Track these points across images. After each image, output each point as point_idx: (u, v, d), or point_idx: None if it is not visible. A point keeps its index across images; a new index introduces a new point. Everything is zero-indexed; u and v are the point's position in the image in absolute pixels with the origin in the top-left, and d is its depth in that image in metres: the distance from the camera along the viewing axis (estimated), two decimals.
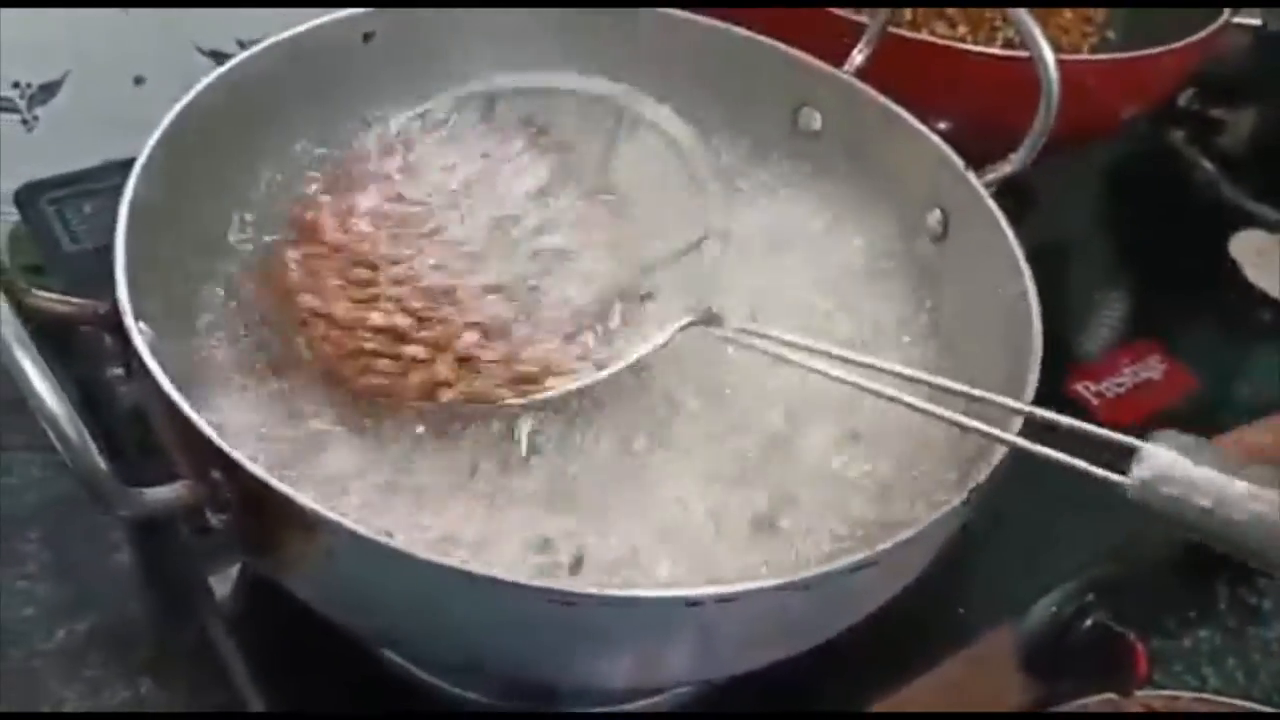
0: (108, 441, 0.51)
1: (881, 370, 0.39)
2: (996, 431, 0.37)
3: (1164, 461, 0.33)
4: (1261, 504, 0.31)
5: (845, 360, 0.40)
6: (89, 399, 0.53)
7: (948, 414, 0.38)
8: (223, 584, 0.46)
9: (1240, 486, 0.31)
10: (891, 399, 0.39)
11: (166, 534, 0.49)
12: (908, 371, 0.40)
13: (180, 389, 0.34)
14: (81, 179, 0.62)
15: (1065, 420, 0.36)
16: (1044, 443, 0.36)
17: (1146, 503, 0.33)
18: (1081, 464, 0.34)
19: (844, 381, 0.40)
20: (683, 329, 0.42)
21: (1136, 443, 0.34)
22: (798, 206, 0.54)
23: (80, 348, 0.53)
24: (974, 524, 0.41)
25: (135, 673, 0.47)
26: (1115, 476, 0.34)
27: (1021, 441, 0.36)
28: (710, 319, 0.42)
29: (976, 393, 0.38)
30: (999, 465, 0.37)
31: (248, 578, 0.46)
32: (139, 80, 0.65)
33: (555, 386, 0.40)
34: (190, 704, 0.46)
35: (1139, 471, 0.33)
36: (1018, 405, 0.38)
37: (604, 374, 0.41)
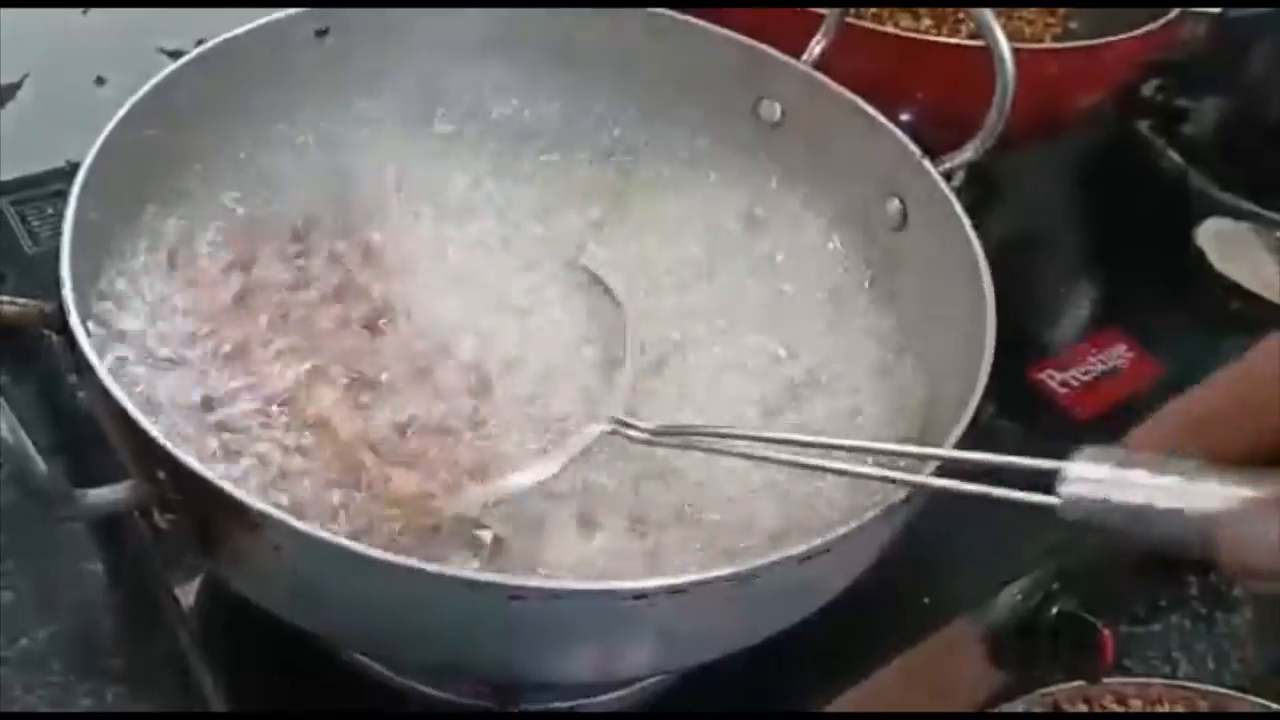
0: (70, 445, 0.51)
1: (790, 442, 0.40)
2: (916, 478, 0.36)
3: (1088, 472, 0.32)
4: (1189, 495, 0.30)
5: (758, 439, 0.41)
6: (53, 402, 0.53)
7: (869, 471, 0.38)
8: (188, 594, 0.46)
9: (1167, 479, 0.30)
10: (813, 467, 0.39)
11: (132, 540, 0.48)
12: (809, 439, 0.40)
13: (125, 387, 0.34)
14: (43, 181, 0.62)
15: (981, 457, 0.35)
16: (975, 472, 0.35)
17: (1079, 516, 0.32)
18: (1011, 493, 0.33)
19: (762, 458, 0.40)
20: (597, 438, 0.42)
21: (1058, 464, 0.32)
22: (761, 197, 0.54)
23: (44, 351, 0.53)
24: (938, 513, 0.41)
25: (101, 680, 0.46)
26: (1042, 499, 0.33)
27: (940, 482, 0.36)
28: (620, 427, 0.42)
29: (888, 447, 0.39)
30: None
31: (213, 587, 0.46)
32: (100, 81, 0.65)
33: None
34: (158, 713, 0.46)
35: (1067, 488, 0.32)
36: (934, 451, 0.37)
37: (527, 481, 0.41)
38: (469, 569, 0.32)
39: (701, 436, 0.40)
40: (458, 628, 0.34)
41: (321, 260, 0.48)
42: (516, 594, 0.32)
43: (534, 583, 0.33)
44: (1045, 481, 0.33)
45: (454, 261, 0.49)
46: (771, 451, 0.39)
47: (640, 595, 0.32)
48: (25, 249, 0.60)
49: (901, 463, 0.39)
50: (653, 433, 0.41)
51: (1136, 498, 0.31)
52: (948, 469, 0.36)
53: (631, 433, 0.41)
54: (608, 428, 0.42)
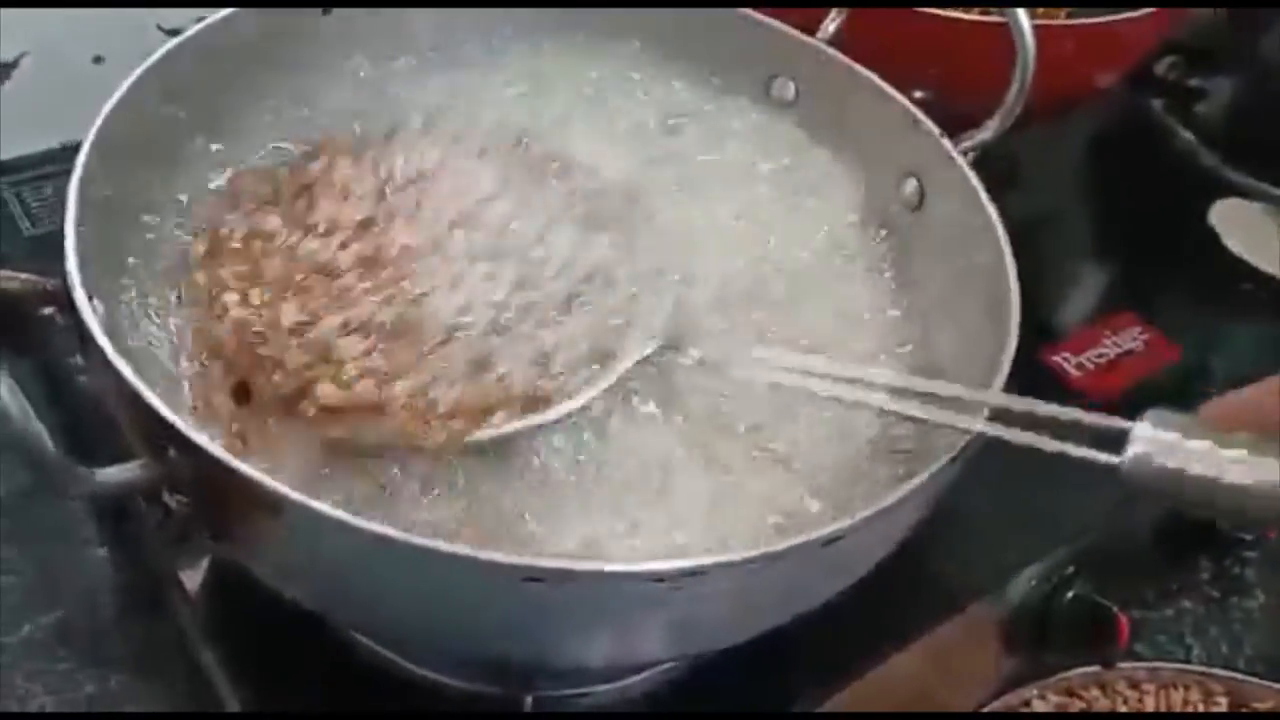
0: (74, 427, 0.50)
1: (849, 379, 0.39)
2: (974, 425, 0.36)
3: (1156, 436, 0.32)
4: (1258, 468, 0.30)
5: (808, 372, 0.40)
6: (55, 385, 0.52)
7: (918, 414, 0.37)
8: (193, 578, 0.46)
9: (1234, 453, 0.31)
10: (861, 404, 0.39)
11: (136, 525, 0.48)
12: (877, 374, 0.40)
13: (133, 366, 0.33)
14: (41, 161, 0.61)
15: (1048, 408, 0.35)
16: (1027, 425, 0.35)
17: (1141, 479, 0.32)
18: (1070, 448, 0.33)
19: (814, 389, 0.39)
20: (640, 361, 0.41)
21: (1126, 424, 0.33)
22: (774, 178, 0.53)
23: (45, 334, 0.52)
24: (953, 497, 0.40)
25: (105, 667, 0.46)
26: (1105, 457, 0.33)
27: (997, 430, 0.35)
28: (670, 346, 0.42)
29: (949, 390, 0.38)
30: (974, 439, 0.36)
31: (218, 571, 0.45)
32: (98, 59, 0.64)
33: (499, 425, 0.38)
34: (162, 699, 0.45)
35: (1134, 449, 0.32)
36: (992, 398, 0.37)
37: (551, 415, 0.39)
38: (486, 550, 0.31)
39: (747, 366, 0.40)
40: (471, 610, 0.34)
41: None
42: (532, 575, 0.32)
43: (550, 564, 0.32)
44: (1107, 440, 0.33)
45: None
46: (825, 386, 0.39)
47: (659, 578, 0.32)
48: (23, 230, 0.59)
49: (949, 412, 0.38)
50: (699, 360, 0.41)
51: (1203, 468, 0.31)
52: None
53: (680, 358, 0.41)
54: (652, 349, 0.41)
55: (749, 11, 0.53)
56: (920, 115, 0.49)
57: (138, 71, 0.43)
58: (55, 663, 0.46)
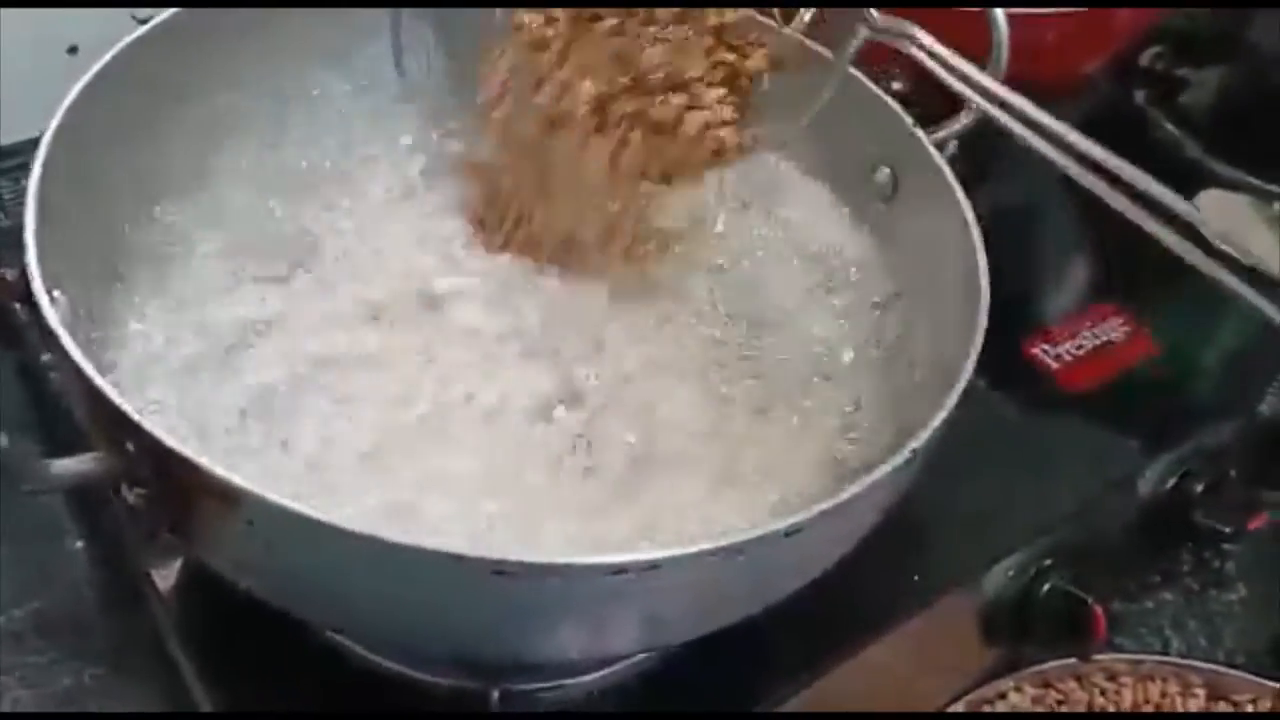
0: (53, 424, 0.50)
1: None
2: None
3: None
4: None
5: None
6: (35, 381, 0.52)
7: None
8: (166, 577, 0.45)
9: None
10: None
11: (111, 519, 0.47)
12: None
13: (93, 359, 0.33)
14: (14, 153, 0.61)
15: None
16: None
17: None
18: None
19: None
20: None
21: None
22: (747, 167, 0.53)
23: (22, 328, 0.52)
24: (929, 488, 0.40)
25: (79, 661, 0.46)
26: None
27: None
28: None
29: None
30: (936, 429, 0.36)
31: (191, 570, 0.45)
32: (73, 50, 0.63)
33: None
34: (137, 696, 0.45)
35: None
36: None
37: None
38: (452, 543, 0.31)
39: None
40: (439, 604, 0.34)
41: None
42: (500, 569, 0.31)
43: (518, 557, 0.32)
44: None
45: None
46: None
47: (620, 570, 0.31)
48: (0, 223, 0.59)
49: None
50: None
51: None
52: None
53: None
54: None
55: None
56: (894, 105, 0.49)
57: (103, 60, 0.42)
58: (30, 655, 0.46)
